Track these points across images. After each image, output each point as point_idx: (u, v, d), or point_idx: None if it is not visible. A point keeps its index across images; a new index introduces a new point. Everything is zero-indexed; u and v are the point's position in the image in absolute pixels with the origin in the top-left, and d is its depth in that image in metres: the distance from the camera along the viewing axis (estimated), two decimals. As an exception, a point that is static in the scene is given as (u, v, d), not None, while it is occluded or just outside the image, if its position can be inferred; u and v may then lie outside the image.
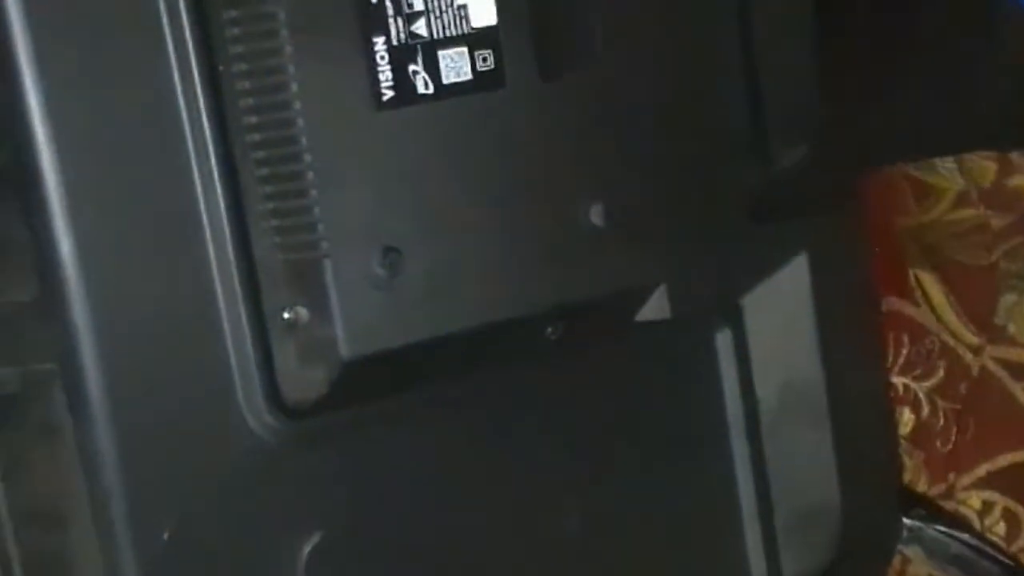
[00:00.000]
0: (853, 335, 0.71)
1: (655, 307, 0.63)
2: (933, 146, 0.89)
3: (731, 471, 0.68)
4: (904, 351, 1.05)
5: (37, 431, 0.57)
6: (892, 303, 1.05)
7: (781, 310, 0.68)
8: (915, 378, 1.05)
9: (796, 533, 0.69)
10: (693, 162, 0.63)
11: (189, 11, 0.55)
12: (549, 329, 0.62)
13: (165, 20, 0.55)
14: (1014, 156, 1.03)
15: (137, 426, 0.55)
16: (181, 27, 0.55)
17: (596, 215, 0.61)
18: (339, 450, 0.59)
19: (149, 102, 0.55)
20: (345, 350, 0.56)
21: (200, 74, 0.55)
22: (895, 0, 0.78)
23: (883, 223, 1.05)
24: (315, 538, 0.59)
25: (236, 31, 0.55)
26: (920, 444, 1.03)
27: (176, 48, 0.55)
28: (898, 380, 1.04)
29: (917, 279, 1.06)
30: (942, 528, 0.73)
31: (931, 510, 0.73)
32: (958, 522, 0.74)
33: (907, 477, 1.02)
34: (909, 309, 1.05)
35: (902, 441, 1.03)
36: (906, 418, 1.03)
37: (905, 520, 0.73)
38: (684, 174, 0.63)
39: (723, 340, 0.68)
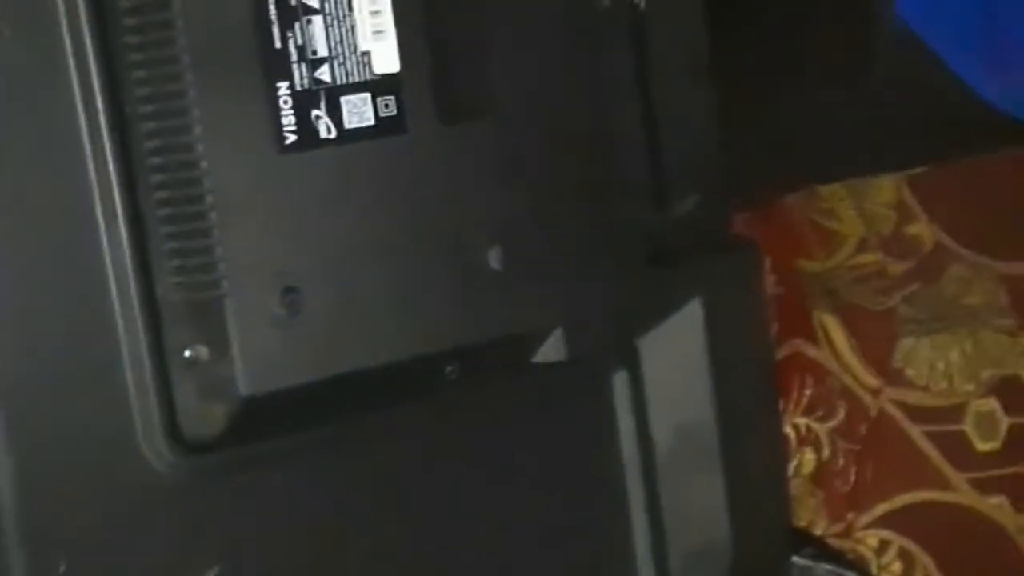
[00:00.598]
0: (747, 377, 0.73)
1: (552, 349, 0.65)
2: (822, 173, 0.92)
3: (626, 512, 0.70)
4: (807, 392, 1.08)
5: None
6: (796, 345, 1.08)
7: (676, 353, 0.70)
8: (817, 419, 1.07)
9: (687, 573, 0.71)
10: (590, 207, 0.65)
11: (96, 52, 0.56)
12: (448, 369, 0.63)
13: (71, 60, 0.56)
14: (911, 204, 1.06)
15: (34, 459, 0.56)
16: (87, 67, 0.56)
17: (494, 259, 0.62)
18: (238, 486, 0.60)
19: (54, 139, 0.56)
20: (244, 387, 0.58)
21: (105, 113, 0.56)
22: (778, 26, 0.81)
23: (787, 266, 1.08)
24: (213, 572, 0.60)
25: (142, 73, 0.57)
26: (821, 484, 1.06)
27: (82, 88, 0.56)
28: (801, 420, 1.07)
29: (820, 322, 1.09)
30: (830, 567, 0.75)
31: (821, 549, 0.75)
32: (848, 561, 0.76)
33: (807, 516, 1.04)
34: (812, 351, 1.08)
35: (803, 481, 1.05)
36: (807, 458, 1.06)
37: (795, 559, 0.75)
38: (581, 219, 0.65)
39: (619, 382, 0.70)
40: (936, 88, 0.79)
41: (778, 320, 1.05)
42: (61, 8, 0.56)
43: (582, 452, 0.69)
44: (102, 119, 0.56)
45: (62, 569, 0.57)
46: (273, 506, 0.62)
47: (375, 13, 0.59)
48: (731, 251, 0.72)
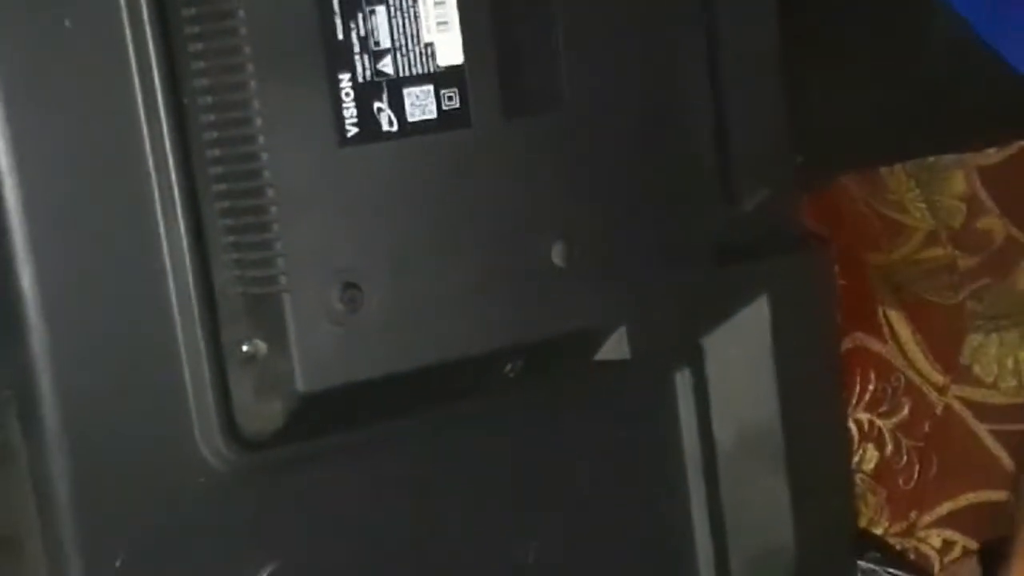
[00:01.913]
0: (813, 377, 0.72)
1: (614, 347, 0.64)
2: (877, 153, 0.91)
3: (687, 511, 0.69)
4: (870, 387, 1.06)
5: (-5, 456, 0.58)
6: (859, 339, 1.07)
7: (741, 351, 0.69)
8: (880, 415, 1.06)
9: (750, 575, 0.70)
10: (656, 203, 0.64)
11: (156, 44, 0.56)
12: (508, 366, 0.62)
13: (132, 52, 0.56)
14: (983, 197, 1.04)
15: (91, 454, 0.56)
16: (148, 59, 0.56)
17: (557, 254, 0.61)
18: (294, 482, 0.60)
19: (114, 133, 0.56)
20: (301, 384, 0.57)
21: (165, 106, 0.56)
22: (833, 9, 0.79)
23: (853, 259, 1.06)
24: (269, 569, 0.60)
25: (202, 64, 0.56)
26: (883, 481, 1.05)
27: (142, 80, 0.56)
28: (863, 416, 1.05)
29: (885, 316, 1.07)
30: (895, 571, 0.73)
31: (886, 552, 0.74)
32: (912, 565, 0.75)
33: (869, 514, 1.03)
34: (876, 345, 1.07)
35: (865, 478, 1.04)
36: (870, 455, 1.04)
37: (860, 563, 0.74)
38: (647, 215, 0.64)
39: (682, 380, 0.69)
40: (989, 71, 0.78)
41: (842, 313, 1.03)
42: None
43: (644, 451, 0.69)
44: (162, 111, 0.56)
45: (118, 564, 0.56)
46: (330, 503, 0.61)
47: (439, 4, 0.58)
48: (800, 248, 0.71)
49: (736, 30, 0.67)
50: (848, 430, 0.89)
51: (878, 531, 1.01)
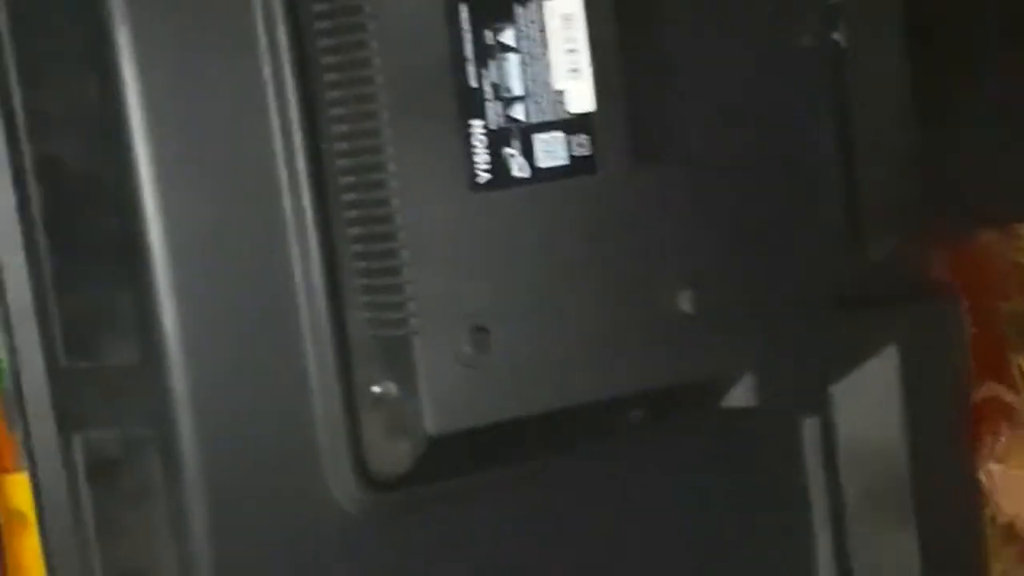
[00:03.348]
0: (943, 428, 0.72)
1: (741, 394, 0.64)
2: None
3: (813, 563, 0.69)
4: (1002, 438, 1.05)
5: (132, 493, 0.60)
6: (991, 388, 1.05)
7: (870, 400, 0.69)
8: (1013, 467, 1.04)
9: (877, 628, 0.70)
10: (784, 250, 0.65)
11: (294, 87, 0.58)
12: (633, 412, 0.63)
13: (271, 95, 0.58)
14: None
15: (227, 494, 0.58)
16: (286, 102, 0.58)
17: (685, 301, 0.62)
18: (422, 524, 0.61)
19: (252, 177, 0.58)
20: (431, 426, 0.58)
21: (303, 151, 0.58)
22: (979, 60, 0.79)
23: (985, 307, 1.05)
24: (395, 609, 0.61)
25: (338, 110, 0.58)
26: (1017, 535, 1.03)
27: (280, 122, 0.58)
28: (994, 467, 1.04)
29: (1018, 366, 1.06)
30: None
31: (1018, 609, 0.73)
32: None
33: (1001, 568, 1.01)
34: (1008, 396, 1.05)
35: (998, 531, 1.02)
36: (1005, 511, 1.02)
37: (990, 618, 0.73)
38: (775, 262, 0.64)
39: (810, 428, 0.69)
40: None
41: (973, 362, 1.02)
42: (263, 43, 0.57)
43: (769, 500, 0.69)
44: (298, 154, 0.58)
45: (249, 603, 0.58)
46: (456, 544, 0.62)
47: (571, 51, 0.60)
48: (930, 296, 0.71)
49: (868, 73, 0.68)
50: (979, 482, 0.88)
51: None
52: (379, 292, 0.58)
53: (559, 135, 0.60)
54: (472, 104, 0.59)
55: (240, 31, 0.57)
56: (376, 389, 0.59)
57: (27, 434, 0.60)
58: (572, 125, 0.60)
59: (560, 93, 0.60)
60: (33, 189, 0.58)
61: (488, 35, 0.59)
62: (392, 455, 0.60)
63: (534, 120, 0.60)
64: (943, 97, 0.76)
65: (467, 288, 0.59)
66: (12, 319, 0.59)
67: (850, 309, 0.67)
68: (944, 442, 0.71)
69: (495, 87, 0.59)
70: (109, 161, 0.56)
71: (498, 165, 0.59)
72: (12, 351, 0.59)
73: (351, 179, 0.58)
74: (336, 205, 0.59)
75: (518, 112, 0.59)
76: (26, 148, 0.58)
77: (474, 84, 0.59)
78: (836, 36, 0.68)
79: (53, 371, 0.59)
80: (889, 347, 0.69)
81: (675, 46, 0.61)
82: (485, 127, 0.59)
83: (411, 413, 0.59)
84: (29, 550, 0.64)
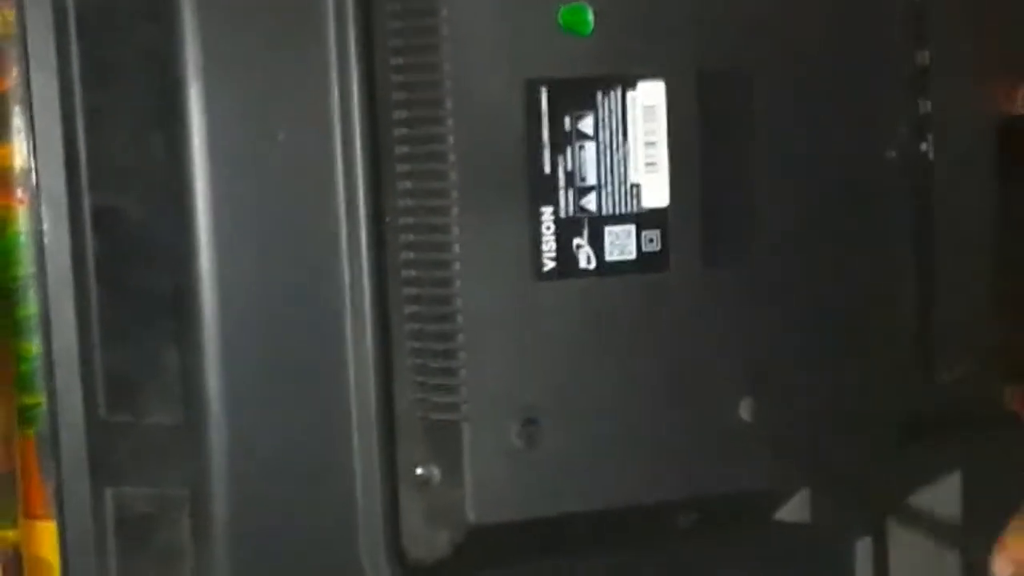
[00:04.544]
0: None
1: (795, 510, 0.63)
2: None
3: None
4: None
5: (160, 552, 0.59)
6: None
7: (927, 527, 0.68)
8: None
9: None
10: (852, 367, 0.63)
11: (365, 160, 0.57)
12: (683, 517, 0.62)
13: (339, 170, 0.57)
14: None
15: (256, 561, 0.57)
16: (355, 176, 0.57)
17: (745, 410, 0.61)
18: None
19: (311, 244, 0.57)
20: (473, 514, 0.58)
21: (366, 225, 0.57)
22: None
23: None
24: None
25: (407, 185, 0.58)
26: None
27: (347, 195, 0.57)
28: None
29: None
30: None
31: None
32: None
33: None
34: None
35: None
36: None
37: None
38: (841, 378, 0.63)
39: (863, 550, 0.67)
40: None
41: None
42: (334, 112, 0.57)
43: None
44: (363, 230, 0.57)
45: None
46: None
47: (650, 144, 0.59)
48: (999, 425, 0.69)
49: (954, 190, 0.67)
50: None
51: None
52: (432, 374, 0.58)
53: (630, 229, 0.59)
54: (545, 191, 0.58)
55: (312, 98, 0.57)
56: (421, 472, 0.59)
57: (59, 483, 0.59)
58: (645, 219, 0.59)
59: (635, 186, 0.59)
60: (89, 238, 0.58)
61: (567, 121, 0.58)
62: (430, 540, 0.59)
63: (606, 212, 0.59)
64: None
65: (522, 378, 0.58)
66: (55, 365, 0.59)
67: (915, 432, 0.66)
68: None
69: (569, 175, 0.58)
70: (167, 216, 0.56)
71: (565, 255, 0.58)
72: (52, 397, 0.59)
73: (414, 256, 0.58)
74: (396, 281, 0.58)
75: (590, 203, 0.59)
76: (86, 197, 0.58)
77: (548, 171, 0.58)
78: (924, 147, 0.67)
79: (92, 422, 0.59)
80: (952, 474, 0.67)
81: (756, 150, 0.60)
82: (555, 215, 0.58)
83: (454, 500, 0.58)
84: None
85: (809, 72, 0.61)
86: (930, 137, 0.66)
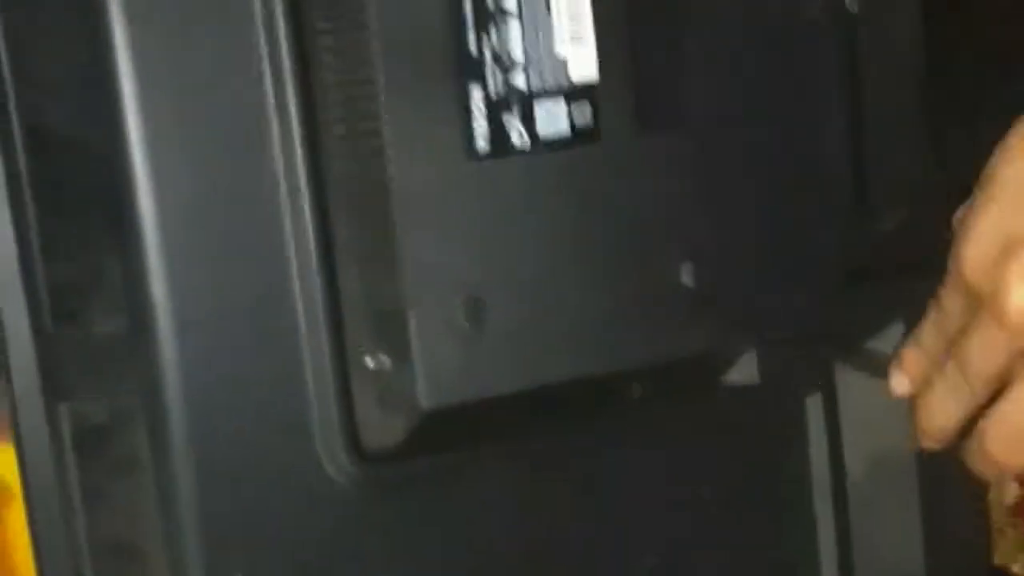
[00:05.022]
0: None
1: (743, 371, 0.64)
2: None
3: (814, 539, 0.69)
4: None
5: (119, 464, 0.60)
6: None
7: (874, 377, 0.69)
8: None
9: (877, 608, 0.70)
10: (789, 224, 0.64)
11: (290, 49, 0.57)
12: (632, 388, 0.63)
13: (265, 60, 0.57)
14: None
15: (214, 465, 0.58)
16: (281, 66, 0.57)
17: (687, 275, 0.62)
18: (415, 498, 0.61)
19: (244, 141, 0.57)
20: (425, 400, 0.58)
21: (297, 115, 0.57)
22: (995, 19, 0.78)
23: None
24: (388, 583, 0.61)
25: (334, 74, 0.58)
26: (1023, 515, 1.03)
27: (275, 87, 0.57)
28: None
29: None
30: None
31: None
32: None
33: (1005, 548, 1.01)
34: None
35: (1005, 512, 1.03)
36: (1010, 489, 1.03)
37: (993, 599, 0.73)
38: (779, 236, 0.64)
39: (813, 405, 0.69)
40: None
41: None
42: (257, 4, 0.57)
43: (771, 477, 0.69)
44: (292, 118, 0.57)
45: None
46: (448, 519, 0.62)
47: (574, 18, 0.60)
48: (939, 272, 0.70)
49: (879, 42, 0.68)
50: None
51: (1015, 568, 1.00)
52: (373, 261, 0.58)
53: (561, 103, 0.60)
54: (471, 70, 0.58)
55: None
56: (371, 362, 0.59)
57: (13, 402, 0.60)
58: (574, 93, 0.60)
59: (562, 61, 0.60)
60: (21, 155, 0.58)
61: (489, -1, 0.58)
62: (385, 428, 0.60)
63: (535, 88, 0.59)
64: (954, 63, 0.75)
65: (463, 259, 0.58)
66: (-2, 284, 0.59)
67: (856, 283, 0.67)
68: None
69: (495, 53, 0.59)
70: (99, 127, 0.56)
71: (498, 134, 0.59)
72: (-3, 317, 0.59)
73: (346, 145, 0.58)
74: (330, 173, 0.58)
75: (519, 80, 0.59)
76: (14, 114, 0.58)
77: (473, 49, 0.58)
78: (847, 3, 0.67)
79: (40, 338, 0.59)
80: (896, 323, 0.69)
81: (681, 15, 0.61)
82: (484, 94, 0.58)
83: (405, 386, 0.59)
84: (15, 521, 0.64)
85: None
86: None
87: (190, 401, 0.57)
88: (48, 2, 0.57)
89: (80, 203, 0.58)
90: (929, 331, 0.60)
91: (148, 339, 0.57)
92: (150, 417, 0.57)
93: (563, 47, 0.60)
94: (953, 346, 0.58)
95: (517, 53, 0.59)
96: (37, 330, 0.59)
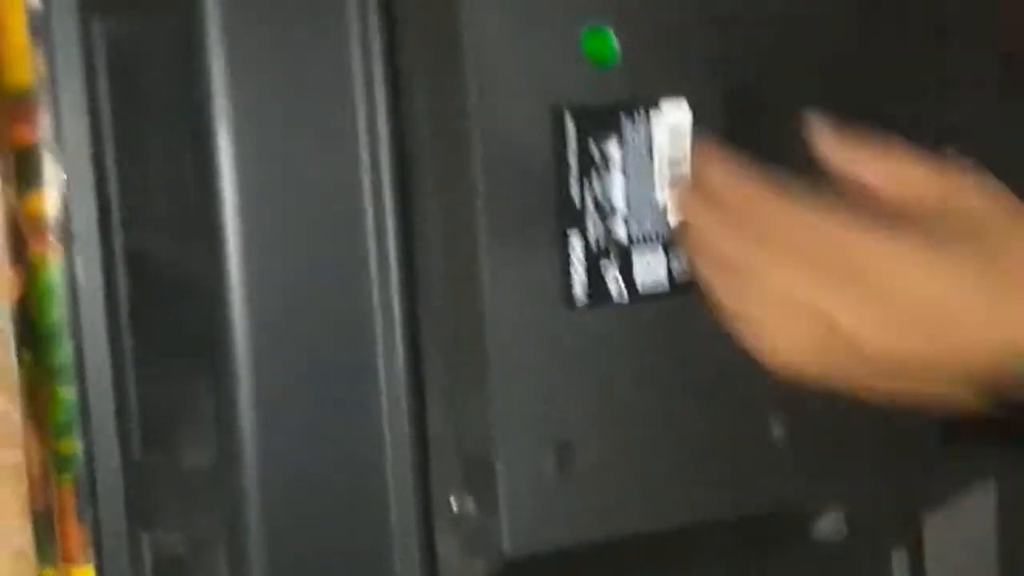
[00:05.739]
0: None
1: (831, 526, 0.64)
2: None
3: None
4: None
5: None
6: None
7: (963, 534, 0.68)
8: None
9: None
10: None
11: (393, 184, 0.57)
12: (719, 539, 0.63)
13: (368, 196, 0.57)
14: None
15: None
16: (382, 207, 0.57)
17: (777, 428, 0.62)
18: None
19: (342, 283, 0.57)
20: (508, 546, 0.58)
21: (396, 256, 0.57)
22: None
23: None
24: None
25: (438, 214, 0.58)
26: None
27: (376, 229, 0.57)
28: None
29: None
30: None
31: None
32: None
33: None
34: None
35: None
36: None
37: None
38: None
39: (899, 560, 0.68)
40: None
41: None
42: (363, 149, 0.57)
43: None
44: (392, 259, 0.57)
45: None
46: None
47: (674, 163, 0.60)
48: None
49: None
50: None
51: None
52: (464, 406, 0.58)
53: (659, 253, 0.60)
54: (573, 219, 0.58)
55: (338, 131, 0.57)
56: (455, 503, 0.59)
57: (96, 527, 0.60)
58: (673, 243, 0.60)
59: (662, 207, 0.60)
60: (122, 281, 0.59)
61: (592, 146, 0.59)
62: (467, 572, 0.59)
63: (635, 238, 0.59)
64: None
65: (555, 408, 0.58)
66: (91, 407, 0.59)
67: (947, 441, 0.66)
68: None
69: (597, 203, 0.59)
70: (199, 257, 0.57)
71: (596, 283, 0.59)
72: (88, 439, 0.60)
73: (445, 287, 0.58)
74: (428, 313, 0.59)
75: (619, 228, 0.59)
76: (117, 239, 0.59)
77: (575, 197, 0.58)
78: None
79: (128, 465, 0.60)
80: (986, 482, 0.68)
81: (779, 158, 0.61)
82: (584, 244, 0.59)
83: (489, 531, 0.58)
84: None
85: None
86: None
87: (271, 538, 0.57)
88: (157, 127, 0.58)
89: (177, 334, 0.58)
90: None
91: (235, 473, 0.57)
92: (231, 551, 0.58)
93: (662, 193, 0.60)
94: None
95: (619, 201, 0.59)
96: (126, 457, 0.60)
